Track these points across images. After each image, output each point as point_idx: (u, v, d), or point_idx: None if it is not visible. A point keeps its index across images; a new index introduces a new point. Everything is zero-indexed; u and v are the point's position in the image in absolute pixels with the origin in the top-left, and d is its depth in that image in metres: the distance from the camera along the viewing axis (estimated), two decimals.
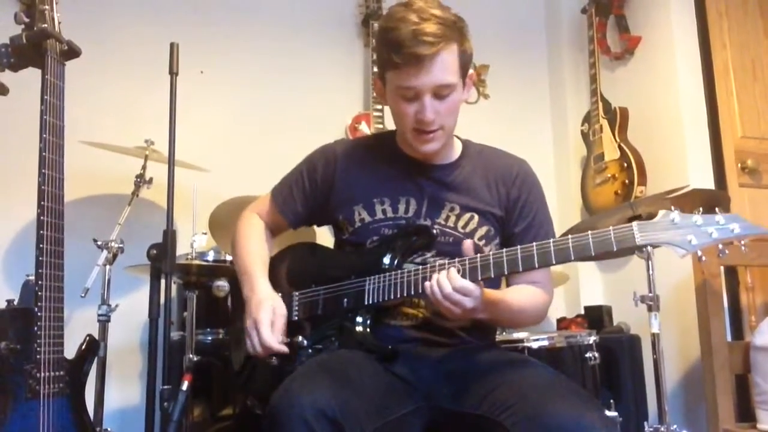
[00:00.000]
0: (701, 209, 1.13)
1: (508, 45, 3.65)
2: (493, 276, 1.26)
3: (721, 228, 1.11)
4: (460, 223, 1.48)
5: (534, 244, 1.22)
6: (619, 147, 3.09)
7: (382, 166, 1.55)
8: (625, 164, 3.03)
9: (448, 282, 1.24)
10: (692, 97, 2.95)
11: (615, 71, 3.34)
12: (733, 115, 2.99)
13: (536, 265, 1.21)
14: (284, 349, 1.39)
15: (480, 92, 3.59)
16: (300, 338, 1.44)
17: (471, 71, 1.47)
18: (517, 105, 3.63)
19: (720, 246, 1.14)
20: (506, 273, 1.25)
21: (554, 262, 1.20)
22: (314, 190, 1.59)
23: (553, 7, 3.75)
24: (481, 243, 1.47)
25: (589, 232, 1.18)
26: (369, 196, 1.52)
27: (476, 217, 1.48)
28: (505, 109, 3.57)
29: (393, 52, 1.34)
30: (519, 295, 1.46)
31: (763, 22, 3.19)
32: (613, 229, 1.15)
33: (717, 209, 1.12)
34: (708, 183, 2.86)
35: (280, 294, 1.51)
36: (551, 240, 1.21)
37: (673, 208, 1.15)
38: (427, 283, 1.28)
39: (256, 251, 1.59)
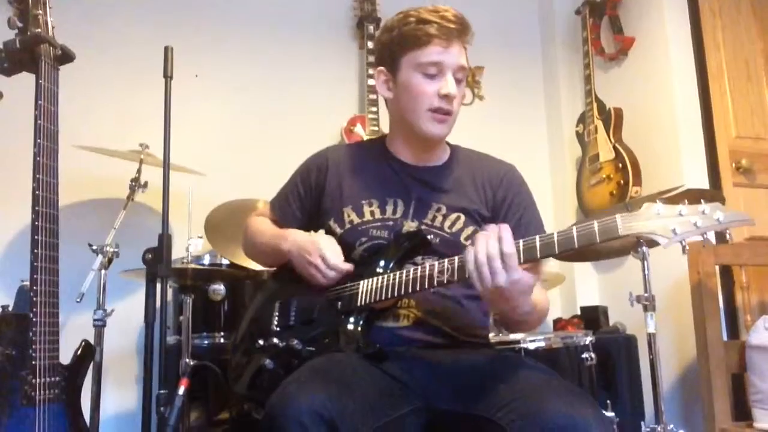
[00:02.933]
0: (686, 201, 1.13)
1: (502, 46, 3.66)
2: None
3: (705, 217, 1.10)
4: (447, 223, 1.49)
5: (520, 240, 1.22)
6: (614, 148, 3.10)
7: (371, 169, 1.58)
8: (620, 165, 3.04)
9: (496, 243, 1.19)
10: (686, 98, 2.96)
11: (609, 72, 3.35)
12: (727, 115, 3.00)
13: (521, 260, 1.21)
14: (350, 266, 1.45)
15: (475, 94, 3.59)
16: (295, 341, 1.44)
17: None
18: (512, 106, 3.64)
19: (704, 236, 1.12)
20: None
21: (538, 256, 1.20)
22: (309, 196, 1.63)
23: (547, 9, 3.76)
24: (468, 243, 1.47)
25: (574, 225, 1.18)
26: (357, 198, 1.54)
27: (463, 217, 1.50)
28: (499, 110, 3.58)
29: (419, 30, 1.44)
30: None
31: (757, 23, 3.21)
32: (597, 221, 1.16)
33: (702, 200, 1.11)
34: (703, 183, 2.87)
35: (278, 302, 1.55)
36: (536, 236, 1.21)
37: (658, 200, 1.14)
38: (468, 245, 1.23)
39: (274, 228, 1.65)
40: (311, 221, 1.65)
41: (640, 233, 1.14)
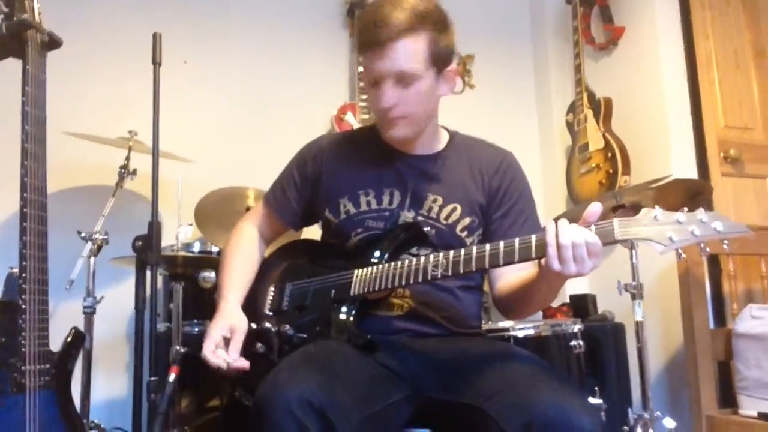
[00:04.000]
0: (686, 208, 1.12)
1: (493, 35, 3.65)
2: (474, 270, 1.26)
3: (704, 226, 1.09)
4: (443, 215, 1.48)
5: (516, 239, 1.21)
6: (604, 137, 3.11)
7: (367, 158, 1.55)
8: (610, 154, 3.06)
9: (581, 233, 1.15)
10: (675, 88, 2.98)
11: (599, 61, 3.35)
12: (716, 105, 3.02)
13: (516, 259, 1.21)
14: (235, 366, 1.38)
15: (465, 82, 3.59)
16: (287, 327, 1.44)
17: (453, 66, 1.46)
18: (503, 95, 3.65)
19: (702, 244, 1.12)
20: (487, 267, 1.25)
21: (534, 257, 1.20)
22: (306, 186, 1.61)
23: None
24: (463, 234, 1.48)
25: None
26: (354, 188, 1.53)
27: (459, 208, 1.49)
28: (490, 99, 3.58)
29: (359, 35, 1.41)
30: None
31: (746, 13, 3.22)
32: (595, 225, 1.15)
33: (701, 208, 1.11)
34: (691, 172, 2.89)
35: (273, 286, 1.54)
36: (533, 235, 1.20)
37: (657, 206, 1.13)
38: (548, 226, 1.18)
39: (234, 266, 1.59)
40: (309, 211, 1.63)
41: (637, 239, 1.13)
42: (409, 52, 1.36)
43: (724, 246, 1.13)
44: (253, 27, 3.19)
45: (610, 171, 3.03)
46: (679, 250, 1.13)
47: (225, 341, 1.43)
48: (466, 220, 1.49)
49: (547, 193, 3.54)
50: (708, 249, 1.14)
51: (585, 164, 3.19)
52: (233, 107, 3.07)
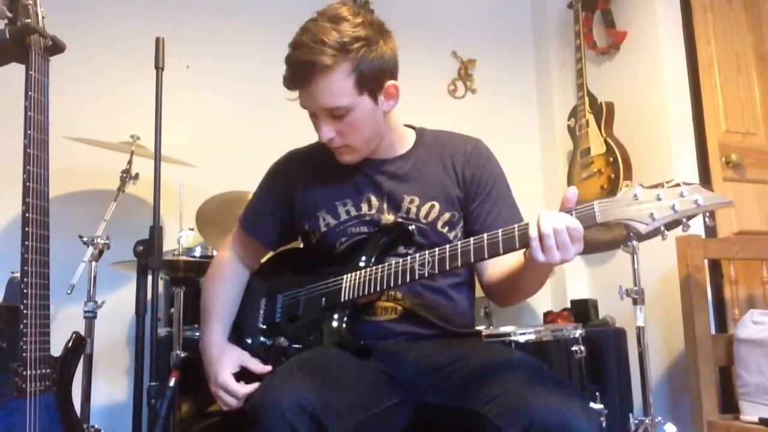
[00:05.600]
0: (666, 183, 1.09)
1: (494, 40, 3.66)
2: (460, 265, 1.26)
3: (683, 200, 1.06)
4: (422, 213, 1.48)
5: (500, 230, 1.21)
6: (605, 141, 3.11)
7: (338, 169, 1.53)
8: (611, 159, 3.06)
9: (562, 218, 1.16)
10: (677, 92, 2.98)
11: (601, 66, 3.36)
12: (718, 110, 3.02)
13: (501, 252, 1.21)
14: (249, 390, 1.41)
15: (467, 87, 3.60)
16: (282, 339, 1.45)
17: (391, 81, 1.41)
18: (504, 100, 3.65)
19: (684, 221, 1.09)
20: (473, 261, 1.25)
21: (518, 247, 1.19)
22: (279, 205, 1.59)
23: (539, 2, 3.76)
24: (445, 230, 1.47)
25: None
26: (331, 200, 1.52)
27: (437, 205, 1.48)
28: (491, 103, 3.59)
29: (285, 71, 1.40)
30: None
31: (747, 17, 3.22)
32: (575, 210, 1.15)
33: (681, 182, 1.08)
34: (693, 177, 2.89)
35: (264, 299, 1.56)
36: (515, 225, 1.20)
37: (636, 184, 1.12)
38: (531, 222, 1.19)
39: (215, 300, 1.59)
40: (285, 230, 1.62)
41: (618, 219, 1.12)
42: (332, 90, 1.34)
43: (706, 220, 1.11)
44: (255, 32, 3.19)
45: (612, 176, 3.03)
46: (662, 228, 1.10)
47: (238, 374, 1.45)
48: (446, 216, 1.48)
49: (548, 198, 3.54)
50: (690, 224, 1.11)
51: (586, 169, 3.19)
52: (235, 112, 3.08)
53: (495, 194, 1.51)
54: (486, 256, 1.23)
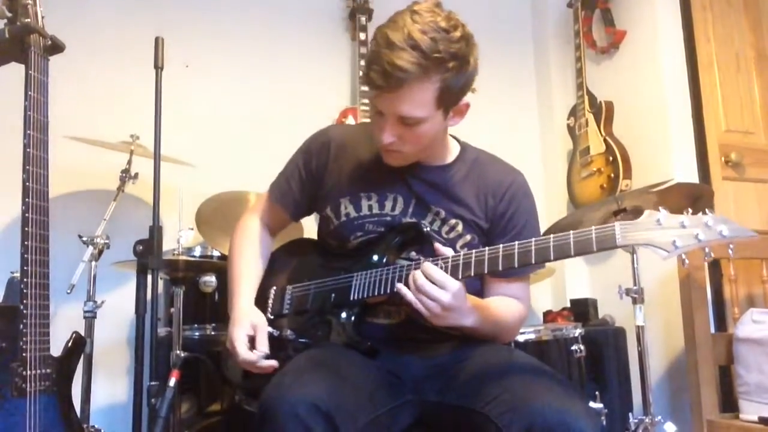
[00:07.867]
0: (690, 210, 1.07)
1: (494, 39, 3.65)
2: (473, 275, 1.25)
3: (708, 230, 1.04)
4: (444, 229, 1.46)
5: (515, 243, 1.21)
6: (605, 141, 3.11)
7: (373, 159, 1.51)
8: (611, 158, 3.06)
9: (422, 274, 1.23)
10: (677, 91, 2.98)
11: (600, 65, 3.36)
12: (717, 109, 3.02)
13: (516, 264, 1.20)
14: (265, 364, 1.36)
15: None
16: (289, 332, 1.44)
17: (465, 100, 1.41)
18: (504, 99, 3.64)
19: (706, 249, 1.06)
20: (486, 272, 1.24)
21: (533, 261, 1.19)
22: (310, 178, 1.58)
23: (539, 1, 3.76)
24: (463, 251, 1.46)
25: (571, 231, 1.14)
26: (356, 190, 1.50)
27: (461, 224, 1.46)
28: (491, 102, 3.57)
29: (364, 68, 1.33)
30: (500, 304, 1.45)
31: (747, 16, 3.22)
32: (595, 229, 1.12)
33: (706, 210, 1.06)
34: (692, 176, 2.89)
35: (274, 289, 1.54)
36: (532, 239, 1.20)
37: (661, 208, 1.08)
38: (398, 284, 1.27)
39: (243, 263, 1.58)
40: (311, 204, 1.62)
41: (638, 244, 1.09)
42: (413, 99, 1.29)
43: (729, 251, 1.08)
44: (254, 31, 3.19)
45: (612, 175, 3.03)
46: (683, 256, 1.07)
47: (249, 339, 1.41)
48: (467, 237, 1.46)
49: (548, 197, 3.54)
50: (712, 254, 1.08)
51: (586, 168, 3.19)
52: (235, 111, 3.07)
53: (524, 236, 1.44)
54: (500, 268, 1.22)
